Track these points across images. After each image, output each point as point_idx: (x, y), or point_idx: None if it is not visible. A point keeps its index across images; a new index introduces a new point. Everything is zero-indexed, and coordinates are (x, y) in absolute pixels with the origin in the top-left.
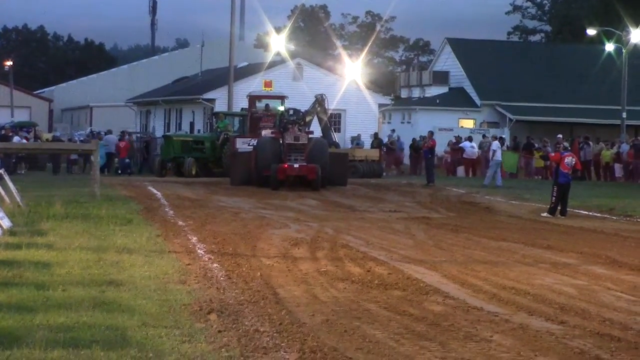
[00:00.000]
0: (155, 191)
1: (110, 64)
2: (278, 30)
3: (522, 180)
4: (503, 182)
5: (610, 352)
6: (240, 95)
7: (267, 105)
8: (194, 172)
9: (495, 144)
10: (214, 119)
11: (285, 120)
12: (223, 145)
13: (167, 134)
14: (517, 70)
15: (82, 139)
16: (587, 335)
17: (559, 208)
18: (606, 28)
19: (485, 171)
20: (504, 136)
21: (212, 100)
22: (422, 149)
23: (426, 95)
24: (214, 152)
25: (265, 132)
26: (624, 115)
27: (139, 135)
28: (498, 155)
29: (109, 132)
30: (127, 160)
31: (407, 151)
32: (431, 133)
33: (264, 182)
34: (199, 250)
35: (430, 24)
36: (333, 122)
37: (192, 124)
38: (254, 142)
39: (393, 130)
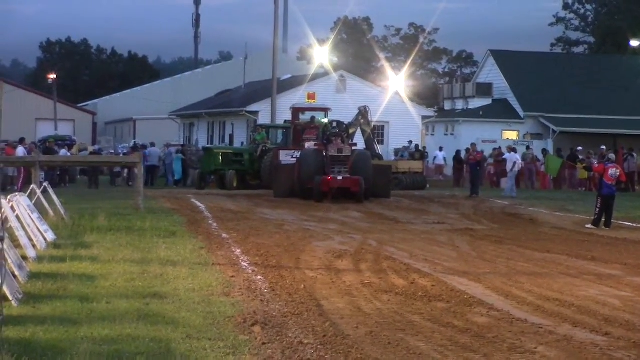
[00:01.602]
0: (198, 204)
1: (154, 77)
2: (321, 42)
3: (566, 192)
4: (545, 192)
5: None
6: (283, 107)
7: (312, 117)
8: (235, 185)
9: (514, 156)
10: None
11: (329, 133)
12: (261, 158)
13: (208, 146)
14: (560, 81)
15: (125, 151)
16: (632, 346)
17: (603, 219)
18: None
19: (528, 182)
20: (547, 148)
21: (255, 113)
22: (469, 162)
23: (469, 107)
24: (253, 165)
25: (309, 145)
26: None
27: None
28: (516, 167)
29: (152, 144)
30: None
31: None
32: (474, 145)
33: (308, 194)
34: (242, 263)
35: (473, 36)
36: (376, 134)
37: (231, 137)
38: (298, 154)
39: (410, 142)
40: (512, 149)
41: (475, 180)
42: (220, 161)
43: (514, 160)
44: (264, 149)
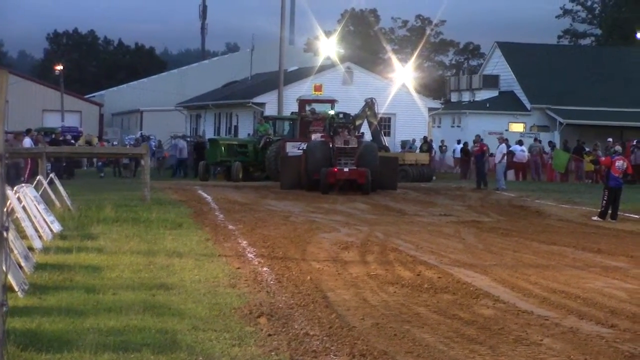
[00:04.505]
0: (205, 195)
1: (161, 68)
2: (328, 34)
3: (573, 184)
4: (551, 184)
5: None
6: (290, 99)
7: (312, 109)
8: (240, 176)
9: (503, 147)
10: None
11: (335, 124)
12: (264, 149)
13: (213, 137)
14: (567, 73)
15: (132, 143)
16: (638, 339)
17: (609, 212)
18: None
19: (535, 176)
20: (553, 140)
21: (262, 104)
22: (474, 155)
23: (476, 99)
24: (256, 156)
25: (315, 136)
26: None
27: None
28: (504, 159)
29: (184, 137)
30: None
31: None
32: (478, 137)
33: (314, 186)
34: (249, 254)
35: (480, 27)
36: (383, 126)
37: (236, 128)
38: (304, 146)
39: (414, 140)
40: (503, 140)
41: (480, 172)
42: (226, 152)
43: (502, 152)
44: (267, 140)
